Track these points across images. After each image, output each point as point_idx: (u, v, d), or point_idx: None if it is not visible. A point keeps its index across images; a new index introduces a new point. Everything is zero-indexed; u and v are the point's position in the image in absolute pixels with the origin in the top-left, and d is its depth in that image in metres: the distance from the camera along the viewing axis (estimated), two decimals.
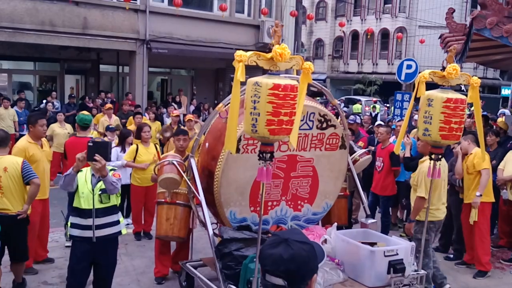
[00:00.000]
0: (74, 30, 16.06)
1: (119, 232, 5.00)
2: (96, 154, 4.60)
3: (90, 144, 4.68)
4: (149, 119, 12.14)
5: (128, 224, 8.27)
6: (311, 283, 1.68)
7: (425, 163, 5.94)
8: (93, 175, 4.84)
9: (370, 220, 6.10)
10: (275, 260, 1.64)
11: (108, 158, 4.76)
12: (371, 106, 25.78)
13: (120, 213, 5.06)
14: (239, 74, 4.15)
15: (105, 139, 9.11)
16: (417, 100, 5.21)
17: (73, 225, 4.82)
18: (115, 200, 4.92)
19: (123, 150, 8.13)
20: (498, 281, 6.68)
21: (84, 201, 4.74)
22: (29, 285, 5.85)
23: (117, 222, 4.95)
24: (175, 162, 5.56)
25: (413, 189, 6.11)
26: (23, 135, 11.48)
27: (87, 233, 4.76)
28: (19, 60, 19.68)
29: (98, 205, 4.76)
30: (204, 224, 5.34)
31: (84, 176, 4.82)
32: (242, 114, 4.49)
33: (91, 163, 4.71)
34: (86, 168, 4.90)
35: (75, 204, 4.82)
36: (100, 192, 4.77)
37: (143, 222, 7.85)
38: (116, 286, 5.91)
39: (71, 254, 4.95)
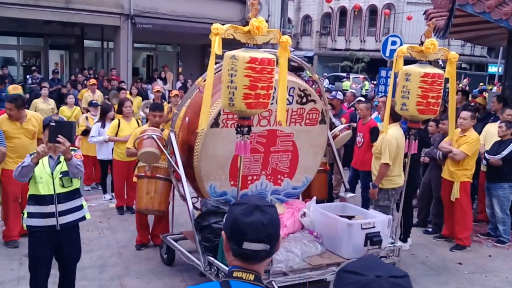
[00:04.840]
0: (57, 5, 15.80)
1: (84, 217, 4.55)
2: (59, 136, 4.05)
3: (53, 124, 4.16)
4: (131, 94, 12.06)
5: (111, 199, 8.35)
6: (279, 241, 1.82)
7: (388, 131, 6.07)
8: (50, 157, 4.32)
9: (349, 194, 6.20)
10: (257, 227, 1.70)
11: (72, 140, 4.29)
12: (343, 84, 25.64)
13: (83, 197, 4.62)
14: (216, 47, 4.15)
15: (88, 114, 9.14)
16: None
17: (31, 215, 4.31)
18: (77, 183, 4.45)
19: (103, 126, 8.10)
20: (475, 254, 6.81)
21: (43, 186, 4.25)
22: (10, 257, 5.88)
23: (81, 207, 4.50)
24: (154, 136, 5.56)
25: (375, 157, 6.22)
26: None
27: (50, 221, 4.29)
28: (2, 35, 19.35)
29: (59, 190, 4.29)
30: (184, 198, 5.39)
31: (41, 160, 4.23)
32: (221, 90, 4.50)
33: (53, 145, 4.18)
34: None
35: (31, 192, 4.32)
36: (61, 176, 4.28)
37: (125, 196, 7.87)
38: (98, 259, 5.97)
39: (30, 246, 4.43)
